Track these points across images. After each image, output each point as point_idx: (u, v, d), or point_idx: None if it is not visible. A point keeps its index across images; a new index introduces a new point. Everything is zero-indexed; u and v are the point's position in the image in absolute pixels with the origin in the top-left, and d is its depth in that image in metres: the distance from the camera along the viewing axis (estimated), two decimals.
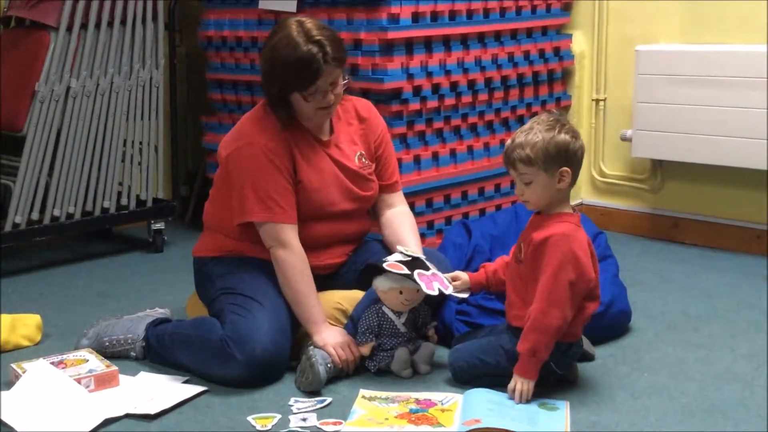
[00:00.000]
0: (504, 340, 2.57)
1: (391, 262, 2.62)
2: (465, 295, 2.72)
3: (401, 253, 2.69)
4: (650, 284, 3.47)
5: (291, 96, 2.72)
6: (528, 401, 2.46)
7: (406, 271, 2.60)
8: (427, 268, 2.64)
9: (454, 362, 2.63)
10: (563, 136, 2.47)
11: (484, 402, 2.44)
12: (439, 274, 2.66)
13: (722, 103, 3.70)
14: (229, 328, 2.63)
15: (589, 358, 2.75)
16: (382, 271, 2.64)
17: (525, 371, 2.47)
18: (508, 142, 2.54)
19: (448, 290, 2.65)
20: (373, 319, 2.67)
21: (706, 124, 3.75)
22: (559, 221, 2.50)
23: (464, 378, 2.61)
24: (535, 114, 4.14)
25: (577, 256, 2.45)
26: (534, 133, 2.48)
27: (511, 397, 2.46)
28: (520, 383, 2.46)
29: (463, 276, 2.71)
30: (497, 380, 2.54)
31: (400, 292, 2.65)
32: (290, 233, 2.72)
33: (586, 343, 2.73)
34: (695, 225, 3.99)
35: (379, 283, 2.66)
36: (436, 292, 2.60)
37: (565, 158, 2.47)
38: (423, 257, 2.71)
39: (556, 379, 2.58)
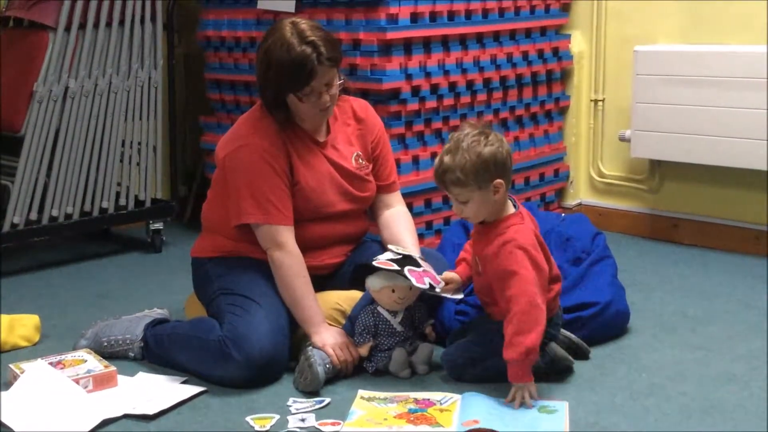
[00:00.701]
0: (489, 320, 2.56)
1: (382, 260, 2.62)
2: (461, 296, 2.71)
3: (393, 251, 2.69)
4: (649, 285, 3.47)
5: (287, 97, 2.72)
6: (533, 401, 2.45)
7: (395, 267, 2.59)
8: (418, 265, 2.64)
9: (444, 355, 2.65)
10: (489, 148, 2.47)
11: (483, 407, 2.44)
12: (432, 271, 2.66)
13: (721, 104, 3.69)
14: (228, 328, 2.63)
15: (583, 351, 2.74)
16: (375, 271, 2.63)
17: (521, 375, 2.45)
18: (436, 162, 2.53)
19: (440, 285, 2.64)
20: (369, 319, 2.67)
21: (705, 124, 3.74)
22: (505, 227, 2.52)
23: (457, 365, 2.61)
24: (534, 115, 4.15)
25: (531, 253, 2.47)
26: (460, 153, 2.47)
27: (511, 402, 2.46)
28: (520, 391, 2.45)
29: (455, 276, 2.69)
30: (489, 364, 2.54)
31: (393, 291, 2.64)
32: (287, 235, 2.71)
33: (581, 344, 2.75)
34: (694, 225, 3.99)
35: (371, 283, 2.66)
36: (426, 286, 2.59)
37: (495, 170, 2.48)
38: (415, 255, 2.71)
39: (549, 369, 2.58)
